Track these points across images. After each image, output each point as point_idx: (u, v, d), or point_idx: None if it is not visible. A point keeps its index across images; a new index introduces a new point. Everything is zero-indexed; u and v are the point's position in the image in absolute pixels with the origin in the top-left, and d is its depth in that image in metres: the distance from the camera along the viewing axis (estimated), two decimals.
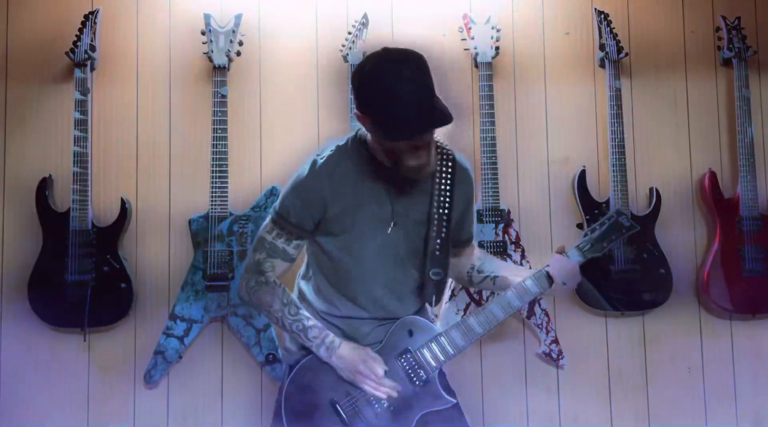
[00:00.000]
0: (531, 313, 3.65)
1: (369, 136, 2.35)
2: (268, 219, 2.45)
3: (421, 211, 2.43)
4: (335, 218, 2.36)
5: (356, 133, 2.43)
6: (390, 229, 2.38)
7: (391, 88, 2.14)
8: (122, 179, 3.74)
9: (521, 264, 3.63)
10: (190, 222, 3.64)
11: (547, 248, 3.76)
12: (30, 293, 3.55)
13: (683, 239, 3.84)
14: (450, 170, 2.46)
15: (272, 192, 3.66)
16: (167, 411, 3.68)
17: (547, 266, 2.45)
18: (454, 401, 2.41)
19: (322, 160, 2.38)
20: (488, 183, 3.62)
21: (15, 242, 3.69)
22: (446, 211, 2.43)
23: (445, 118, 2.19)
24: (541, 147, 3.84)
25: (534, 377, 3.77)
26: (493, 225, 3.61)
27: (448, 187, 2.45)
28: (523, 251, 3.65)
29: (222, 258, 3.59)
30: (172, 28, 3.83)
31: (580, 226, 2.48)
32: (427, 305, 2.52)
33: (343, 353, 2.34)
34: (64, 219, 3.55)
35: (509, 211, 3.67)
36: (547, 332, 3.67)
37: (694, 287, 3.82)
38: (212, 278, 3.57)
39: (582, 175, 3.71)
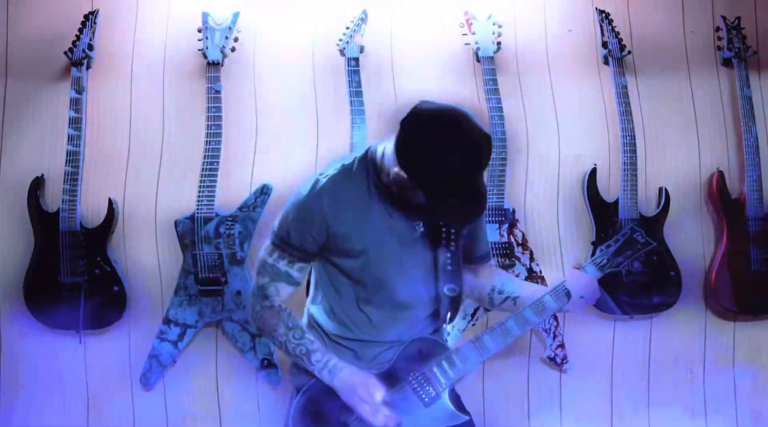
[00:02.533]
0: None
1: (381, 159, 2.25)
2: (268, 241, 2.37)
3: (428, 226, 2.36)
4: (344, 238, 2.28)
5: (366, 152, 2.33)
6: (411, 242, 2.33)
7: (455, 163, 2.08)
8: (112, 179, 3.67)
9: (531, 267, 3.60)
10: (176, 223, 3.54)
11: (555, 251, 3.74)
12: (26, 294, 3.50)
13: (692, 240, 3.82)
14: None
15: (263, 190, 3.56)
16: (165, 413, 3.63)
17: (564, 281, 2.40)
18: (467, 417, 2.38)
19: (324, 180, 2.29)
20: (494, 180, 3.55)
21: (10, 242, 3.63)
22: (455, 228, 2.38)
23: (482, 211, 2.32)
24: (551, 141, 3.80)
25: (536, 382, 3.75)
26: (497, 225, 3.54)
27: None
28: (531, 253, 3.60)
29: (212, 261, 3.50)
30: (169, 26, 3.75)
31: (594, 243, 2.52)
32: (442, 326, 2.46)
33: (345, 376, 2.28)
34: (54, 219, 3.47)
35: (514, 211, 3.61)
36: (554, 337, 3.64)
37: (703, 289, 3.80)
38: (205, 282, 3.50)
39: (593, 174, 3.66)
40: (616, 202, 3.62)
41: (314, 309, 2.46)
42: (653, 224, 3.65)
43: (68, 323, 3.48)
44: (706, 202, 3.84)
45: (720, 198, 3.72)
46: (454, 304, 2.40)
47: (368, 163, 2.30)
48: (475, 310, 3.54)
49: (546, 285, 3.58)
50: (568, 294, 2.37)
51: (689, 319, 3.81)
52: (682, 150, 3.87)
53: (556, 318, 3.61)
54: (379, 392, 2.27)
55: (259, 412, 3.67)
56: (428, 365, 2.34)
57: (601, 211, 3.63)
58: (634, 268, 3.58)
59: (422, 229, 2.34)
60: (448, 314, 2.40)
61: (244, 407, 3.67)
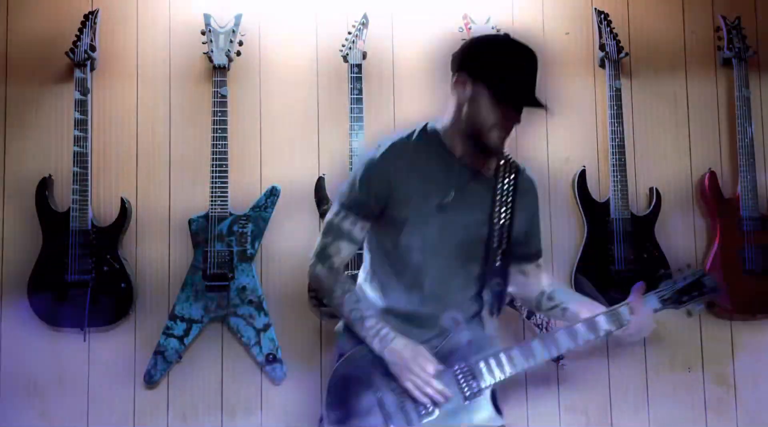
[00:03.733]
0: (531, 313, 3.64)
1: (442, 124, 2.37)
2: (335, 202, 2.44)
3: (482, 211, 2.38)
4: (400, 203, 2.33)
5: (425, 125, 2.42)
6: (448, 207, 2.33)
7: (518, 55, 2.26)
8: (122, 179, 3.75)
9: None
10: (190, 222, 3.64)
11: (546, 250, 3.72)
12: (30, 293, 3.56)
13: (683, 239, 3.84)
14: (514, 179, 2.42)
15: (272, 192, 3.66)
16: (167, 411, 3.68)
17: (627, 303, 2.39)
18: (503, 421, 2.30)
19: (390, 144, 2.38)
20: None
21: (15, 242, 3.70)
22: (507, 220, 2.38)
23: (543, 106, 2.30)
24: (540, 147, 3.83)
25: (534, 378, 3.77)
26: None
27: (510, 197, 2.40)
28: None
29: (222, 258, 3.59)
30: (172, 28, 3.84)
31: (660, 277, 2.53)
32: (486, 319, 2.39)
33: (396, 346, 2.25)
34: (64, 219, 3.56)
35: None
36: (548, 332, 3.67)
37: None
38: (212, 278, 3.58)
39: (582, 175, 3.72)
40: (608, 202, 3.67)
41: (367, 287, 2.46)
42: (644, 224, 3.69)
43: (73, 322, 3.54)
44: (698, 202, 3.86)
45: (713, 198, 3.75)
46: (499, 299, 2.38)
47: (428, 132, 2.39)
48: None
49: None
50: (620, 320, 2.37)
51: (682, 317, 3.73)
52: (674, 151, 3.89)
53: None
54: (431, 365, 2.23)
55: (263, 407, 3.71)
56: (475, 359, 2.29)
57: (593, 211, 3.68)
58: (624, 265, 3.62)
59: (480, 215, 2.36)
60: (492, 307, 2.37)
61: (248, 402, 3.70)
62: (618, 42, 3.78)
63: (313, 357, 3.70)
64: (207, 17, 3.68)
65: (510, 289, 2.53)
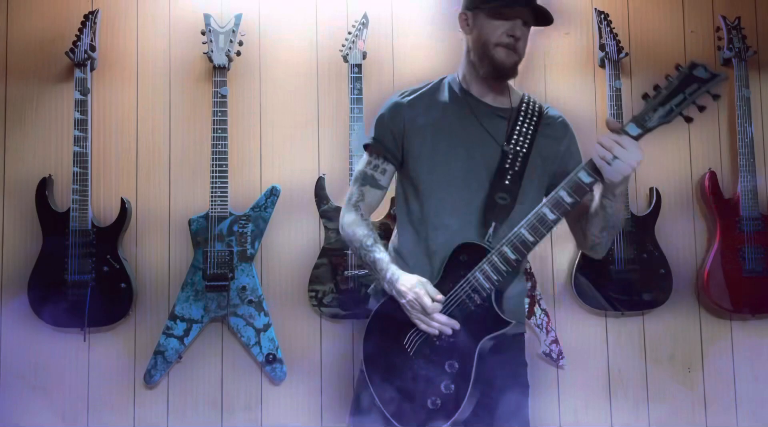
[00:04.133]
0: (531, 313, 3.65)
1: (458, 71, 2.50)
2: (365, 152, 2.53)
3: (499, 142, 2.40)
4: (415, 140, 2.41)
5: (442, 78, 2.55)
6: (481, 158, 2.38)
7: None
8: (122, 179, 3.76)
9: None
10: (190, 222, 3.65)
11: (547, 249, 3.79)
12: (30, 293, 3.56)
13: (683, 239, 3.85)
14: (536, 112, 2.46)
15: (272, 192, 3.66)
16: (167, 411, 3.69)
17: (587, 162, 2.20)
18: (512, 321, 2.26)
19: (405, 91, 2.52)
20: None
21: (15, 242, 3.71)
22: (524, 145, 2.38)
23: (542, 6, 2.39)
24: None
25: (534, 378, 3.76)
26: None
27: (531, 126, 2.42)
28: None
29: (222, 258, 3.59)
30: (172, 28, 3.84)
31: (645, 96, 2.10)
32: (491, 231, 2.34)
33: (401, 287, 2.27)
34: (64, 219, 3.56)
35: None
36: (547, 332, 3.68)
37: (694, 287, 3.82)
38: (212, 278, 3.58)
39: None
40: None
41: (395, 239, 2.52)
42: (644, 224, 3.70)
43: (73, 321, 3.54)
44: (698, 202, 3.87)
45: (713, 198, 3.75)
46: (504, 211, 2.34)
47: (447, 79, 2.53)
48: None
49: (535, 281, 3.67)
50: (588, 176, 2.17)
51: (682, 317, 3.82)
52: (674, 151, 3.89)
53: (547, 314, 3.66)
54: (432, 301, 2.23)
55: (263, 407, 3.71)
56: (472, 271, 2.27)
57: None
58: (624, 265, 3.63)
59: (504, 148, 2.38)
60: (494, 221, 2.32)
61: (248, 402, 3.71)
62: (618, 42, 3.78)
63: (313, 357, 3.70)
64: (207, 17, 3.68)
65: (571, 229, 2.54)
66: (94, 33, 3.68)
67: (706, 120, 3.91)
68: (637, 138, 2.11)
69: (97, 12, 3.71)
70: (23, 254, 3.65)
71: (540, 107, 2.50)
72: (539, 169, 2.42)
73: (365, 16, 3.76)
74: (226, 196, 3.60)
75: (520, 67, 2.43)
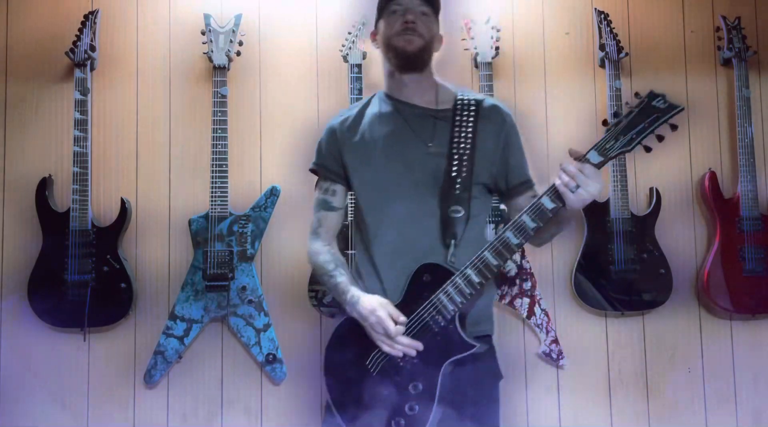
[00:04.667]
0: (531, 313, 3.65)
1: (384, 77, 2.52)
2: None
3: (440, 147, 2.38)
4: (353, 157, 2.45)
5: (373, 94, 2.58)
6: (419, 166, 2.38)
7: None
8: (122, 179, 3.76)
9: (521, 264, 3.66)
10: (190, 222, 3.65)
11: (547, 248, 3.78)
12: (30, 293, 3.56)
13: (683, 239, 3.85)
14: (472, 109, 2.42)
15: (272, 192, 3.67)
16: (167, 411, 3.69)
17: (552, 186, 2.18)
18: (476, 344, 2.24)
19: (342, 110, 2.60)
20: None
21: (15, 242, 3.72)
22: (466, 148, 2.36)
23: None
24: (541, 147, 3.83)
25: (534, 378, 3.77)
26: (493, 225, 3.62)
27: (469, 125, 2.39)
28: (523, 250, 3.66)
29: (222, 258, 3.60)
30: (172, 28, 3.85)
31: (605, 122, 2.14)
32: (450, 249, 2.32)
33: (361, 309, 2.28)
34: (64, 219, 3.56)
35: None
36: (547, 332, 3.68)
37: (694, 287, 3.82)
38: (212, 278, 3.58)
39: None
40: (607, 202, 3.68)
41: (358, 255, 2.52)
42: (644, 224, 3.70)
43: (73, 321, 3.55)
44: (698, 202, 3.86)
45: (713, 198, 3.75)
46: (460, 226, 2.32)
47: (378, 94, 2.55)
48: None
49: (535, 281, 3.67)
50: (552, 203, 2.16)
51: (682, 317, 3.81)
52: (674, 150, 3.88)
53: (547, 314, 3.67)
54: (392, 325, 2.22)
55: (263, 407, 3.72)
56: (435, 294, 2.24)
57: (593, 211, 3.67)
58: (624, 265, 3.63)
59: (433, 148, 2.37)
60: (453, 239, 2.31)
61: (248, 402, 3.71)
62: (618, 42, 3.78)
63: (313, 357, 3.70)
64: (207, 17, 3.69)
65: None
66: (94, 33, 3.68)
67: (706, 120, 3.92)
68: (598, 166, 2.12)
69: (97, 12, 3.71)
70: (23, 254, 3.65)
71: (476, 102, 2.45)
72: (485, 172, 2.40)
73: (365, 17, 3.76)
74: (227, 197, 3.60)
75: (436, 57, 2.50)
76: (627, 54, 3.82)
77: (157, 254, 3.75)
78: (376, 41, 2.53)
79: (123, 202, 3.66)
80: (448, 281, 2.24)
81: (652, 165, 3.85)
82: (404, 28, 2.38)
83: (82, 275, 3.54)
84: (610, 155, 2.12)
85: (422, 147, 2.39)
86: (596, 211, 3.67)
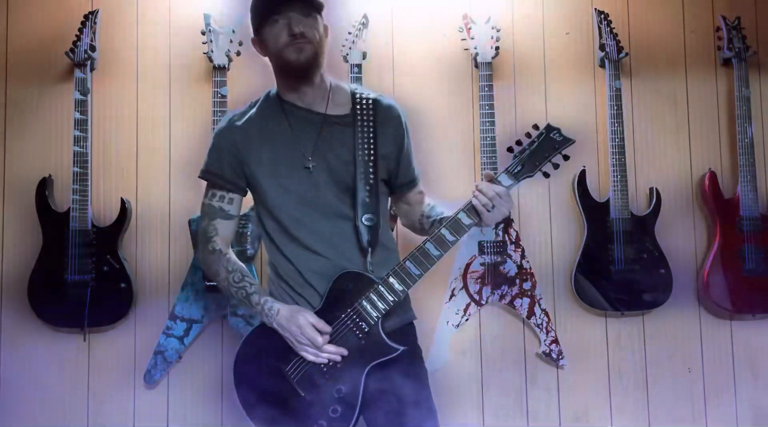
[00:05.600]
0: (531, 313, 3.66)
1: (276, 86, 2.49)
2: (204, 184, 2.54)
3: (344, 153, 2.41)
4: (253, 166, 2.42)
5: (268, 92, 2.54)
6: (309, 170, 2.38)
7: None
8: (122, 179, 3.76)
9: (521, 264, 3.66)
10: (190, 222, 3.63)
11: (547, 248, 3.79)
12: (30, 293, 3.56)
13: (683, 239, 3.85)
14: (370, 111, 2.45)
15: None
16: (167, 411, 3.69)
17: (468, 203, 2.34)
18: (400, 348, 2.33)
19: (235, 114, 2.52)
20: None
21: (15, 242, 3.71)
22: (370, 153, 2.40)
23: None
24: None
25: (534, 378, 3.77)
26: (493, 225, 3.62)
27: (370, 128, 2.42)
28: (523, 250, 3.66)
29: None
30: (172, 28, 3.84)
31: (510, 149, 2.35)
32: (368, 256, 2.40)
33: (282, 321, 2.32)
34: (64, 219, 3.56)
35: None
36: (547, 332, 3.68)
37: (694, 287, 3.82)
38: None
39: (582, 175, 3.72)
40: (607, 202, 3.68)
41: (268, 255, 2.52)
42: (644, 224, 3.70)
43: (73, 322, 3.54)
44: (698, 202, 3.86)
45: (713, 198, 3.75)
46: (374, 233, 2.39)
47: (270, 95, 2.51)
48: (468, 305, 3.64)
49: (535, 281, 3.67)
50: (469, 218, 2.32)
51: (682, 317, 3.82)
52: (674, 151, 3.90)
53: (547, 314, 3.67)
54: (318, 334, 2.28)
55: None
56: (358, 300, 2.32)
57: (593, 211, 3.68)
58: (624, 265, 3.63)
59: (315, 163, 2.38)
60: (368, 246, 2.38)
61: None
62: (618, 42, 3.78)
63: None
64: (207, 17, 3.68)
65: (400, 221, 2.68)
66: (94, 33, 3.67)
67: (706, 120, 3.93)
68: (509, 188, 2.32)
69: (97, 12, 3.71)
70: (23, 254, 3.65)
71: (373, 102, 2.48)
72: (384, 172, 2.47)
73: (365, 16, 3.76)
74: None
75: (327, 60, 2.49)
76: (627, 54, 3.82)
77: (157, 254, 3.75)
78: (259, 48, 2.49)
79: (123, 202, 3.66)
80: (371, 289, 2.33)
81: (652, 165, 3.87)
82: (290, 40, 2.36)
83: (82, 275, 3.54)
84: (519, 179, 2.34)
85: (328, 157, 2.39)
86: (596, 211, 3.68)
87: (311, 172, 2.38)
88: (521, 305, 3.65)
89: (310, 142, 2.40)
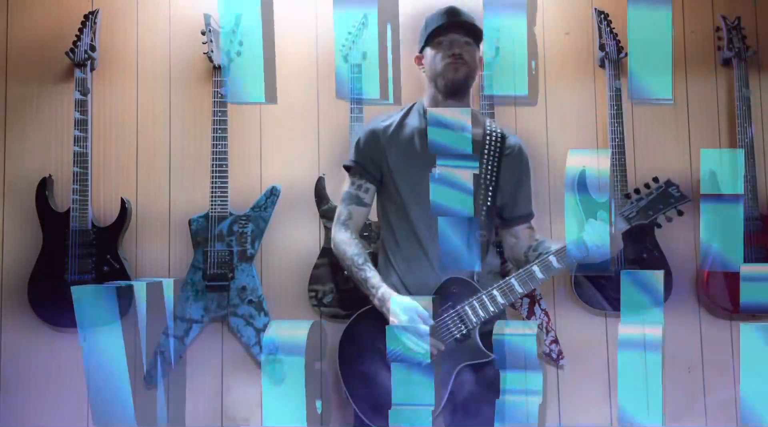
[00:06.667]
0: (531, 313, 3.66)
1: (425, 98, 2.82)
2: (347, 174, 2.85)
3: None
4: (391, 168, 2.72)
5: (414, 103, 2.87)
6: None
7: (438, 9, 2.81)
8: (122, 179, 3.76)
9: None
10: (190, 222, 3.65)
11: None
12: (30, 293, 3.57)
13: (683, 239, 3.83)
14: (498, 143, 2.73)
15: (272, 192, 3.66)
16: (167, 411, 3.68)
17: (584, 231, 2.52)
18: (492, 355, 2.54)
19: (383, 117, 2.86)
20: None
21: (15, 242, 3.71)
22: (491, 180, 2.66)
23: (468, 22, 2.71)
24: (540, 146, 3.83)
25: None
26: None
27: (495, 158, 2.70)
28: None
29: (222, 258, 3.60)
30: (172, 28, 3.85)
31: (627, 196, 2.64)
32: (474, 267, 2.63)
33: (393, 308, 2.51)
34: (64, 219, 3.57)
35: None
36: (547, 332, 3.68)
37: (694, 287, 3.82)
38: (212, 277, 3.58)
39: (582, 175, 3.71)
40: (608, 201, 3.66)
41: (380, 255, 2.80)
42: (644, 224, 3.67)
43: (73, 321, 3.49)
44: (698, 202, 3.85)
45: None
46: (483, 249, 2.66)
47: (417, 107, 2.84)
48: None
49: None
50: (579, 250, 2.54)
51: (682, 318, 3.81)
52: (674, 150, 3.89)
53: (547, 314, 3.66)
54: (424, 324, 2.43)
55: (263, 408, 3.72)
56: (461, 305, 2.58)
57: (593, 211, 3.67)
58: (624, 265, 3.62)
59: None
60: (477, 259, 2.57)
61: (248, 402, 3.72)
62: (618, 42, 3.78)
63: (313, 357, 3.70)
64: (207, 17, 3.68)
65: (505, 253, 2.98)
66: (94, 33, 3.68)
67: (706, 120, 3.92)
68: (619, 230, 2.61)
69: (97, 12, 3.72)
70: (23, 254, 3.65)
71: (501, 136, 2.77)
72: (500, 201, 2.75)
73: (365, 16, 3.75)
74: (227, 197, 3.61)
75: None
76: (627, 54, 3.81)
77: (157, 254, 3.75)
78: (422, 66, 2.83)
79: (123, 202, 3.66)
80: (474, 296, 2.59)
81: (652, 165, 3.84)
82: (450, 60, 2.68)
83: (82, 275, 3.54)
84: (630, 223, 2.62)
85: None
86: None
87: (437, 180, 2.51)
88: (521, 305, 3.65)
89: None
